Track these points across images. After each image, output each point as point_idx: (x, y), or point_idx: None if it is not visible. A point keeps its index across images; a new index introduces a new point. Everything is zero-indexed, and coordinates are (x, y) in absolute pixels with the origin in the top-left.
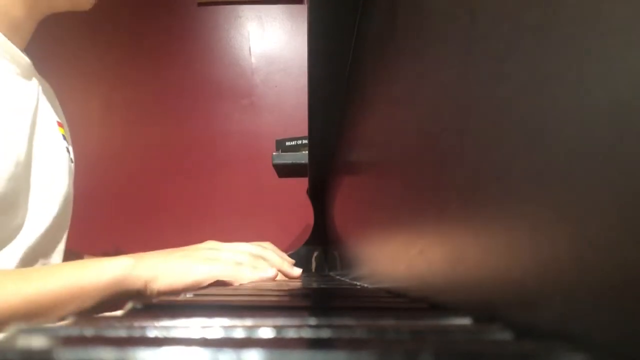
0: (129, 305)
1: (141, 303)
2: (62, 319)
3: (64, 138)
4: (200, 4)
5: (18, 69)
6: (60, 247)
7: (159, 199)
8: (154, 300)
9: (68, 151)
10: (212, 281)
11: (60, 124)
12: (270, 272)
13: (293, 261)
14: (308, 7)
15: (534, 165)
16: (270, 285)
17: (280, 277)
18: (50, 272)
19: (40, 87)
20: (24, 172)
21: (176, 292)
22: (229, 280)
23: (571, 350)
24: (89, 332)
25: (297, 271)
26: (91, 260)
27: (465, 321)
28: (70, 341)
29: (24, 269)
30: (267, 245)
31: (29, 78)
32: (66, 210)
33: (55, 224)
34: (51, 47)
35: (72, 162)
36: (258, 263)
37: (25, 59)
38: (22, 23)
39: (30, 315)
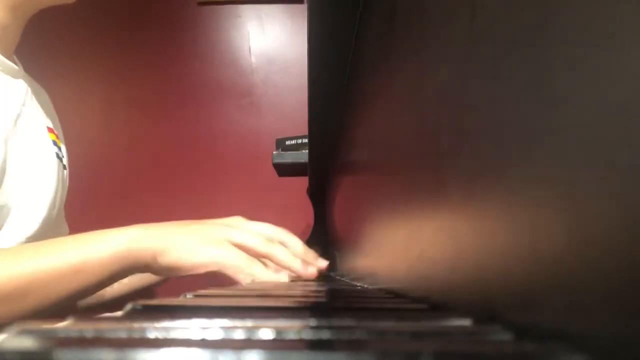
0: (129, 306)
1: (141, 304)
2: (65, 297)
3: (55, 144)
4: (200, 4)
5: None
6: None
7: (159, 198)
8: (154, 301)
9: (59, 157)
10: (215, 268)
11: (51, 130)
12: (283, 277)
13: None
14: (308, 7)
15: (534, 164)
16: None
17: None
18: (49, 247)
19: (29, 90)
20: None
21: (181, 269)
22: (232, 273)
23: (571, 350)
24: (88, 333)
25: (323, 263)
26: (95, 233)
27: (465, 322)
28: (70, 342)
29: (19, 246)
30: (285, 233)
31: (15, 78)
32: (55, 216)
33: (42, 230)
34: (50, 47)
35: (65, 168)
36: (273, 250)
37: (9, 65)
38: (6, 27)
39: (23, 296)
